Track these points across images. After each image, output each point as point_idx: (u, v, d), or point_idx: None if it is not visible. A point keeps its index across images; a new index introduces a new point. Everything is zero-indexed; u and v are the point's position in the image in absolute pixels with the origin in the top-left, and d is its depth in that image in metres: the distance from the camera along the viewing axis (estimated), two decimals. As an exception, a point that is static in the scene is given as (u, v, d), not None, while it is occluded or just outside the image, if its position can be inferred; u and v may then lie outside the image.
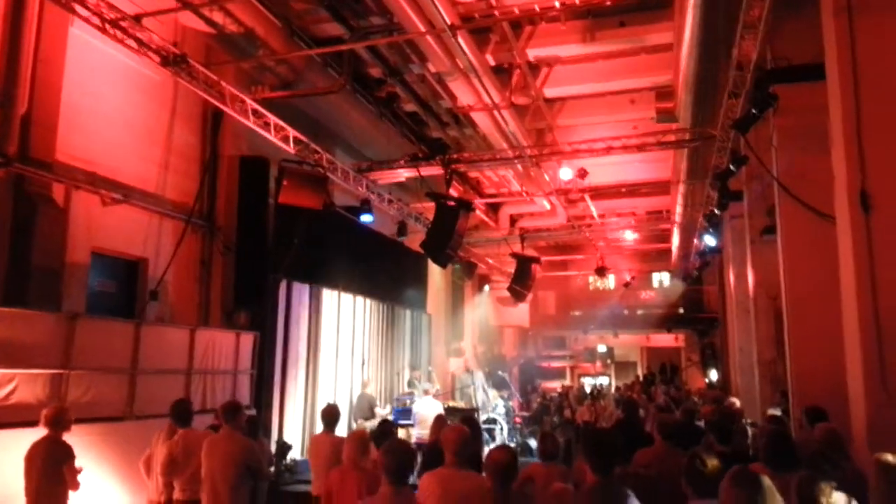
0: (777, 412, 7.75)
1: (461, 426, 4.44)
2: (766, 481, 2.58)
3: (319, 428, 6.74)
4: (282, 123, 9.01)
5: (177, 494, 5.80)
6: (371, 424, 10.04)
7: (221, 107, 8.27)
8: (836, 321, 5.47)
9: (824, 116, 5.63)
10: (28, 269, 6.94)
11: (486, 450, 4.90)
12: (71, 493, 5.32)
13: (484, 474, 3.84)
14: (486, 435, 12.73)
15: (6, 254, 6.87)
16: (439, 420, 6.89)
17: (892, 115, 5.12)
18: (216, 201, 9.97)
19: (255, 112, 8.56)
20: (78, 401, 6.39)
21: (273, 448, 9.26)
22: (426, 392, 11.65)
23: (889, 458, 3.28)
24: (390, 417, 11.67)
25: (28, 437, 5.39)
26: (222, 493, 5.29)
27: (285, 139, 9.20)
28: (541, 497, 4.14)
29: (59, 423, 5.37)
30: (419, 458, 4.53)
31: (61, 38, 7.40)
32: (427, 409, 10.11)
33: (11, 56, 7.02)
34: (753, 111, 7.46)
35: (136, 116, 8.69)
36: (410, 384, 13.80)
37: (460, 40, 8.38)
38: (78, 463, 5.34)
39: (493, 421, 13.24)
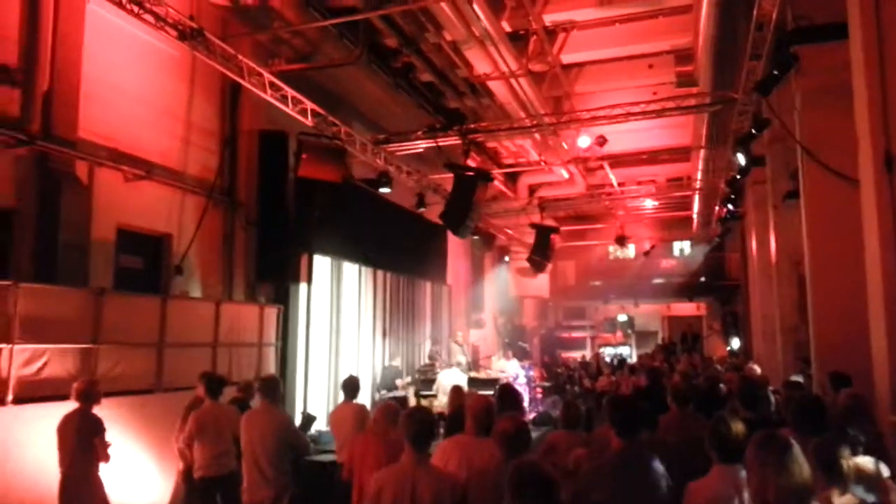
0: (799, 379, 7.73)
1: (487, 396, 4.44)
2: (795, 445, 2.55)
3: (342, 398, 6.85)
4: (299, 96, 9.01)
5: (211, 470, 5.95)
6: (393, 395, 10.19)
7: (239, 80, 8.28)
8: (859, 286, 5.42)
9: (848, 77, 5.51)
10: (55, 246, 7.04)
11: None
12: (102, 465, 5.48)
13: None
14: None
15: (33, 231, 6.98)
16: (455, 391, 6.88)
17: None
18: (237, 176, 10.02)
19: (272, 85, 8.56)
20: (107, 374, 6.53)
21: (298, 420, 9.41)
22: (450, 365, 11.74)
23: None
24: (412, 388, 11.82)
25: (59, 411, 5.53)
26: (265, 468, 5.37)
27: (303, 112, 9.20)
28: (563, 461, 4.20)
29: (89, 396, 5.50)
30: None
31: (79, 15, 7.41)
32: (451, 380, 10.20)
33: (31, 35, 7.06)
34: (775, 73, 7.34)
35: (156, 92, 8.73)
36: (432, 357, 13.90)
37: (475, 6, 8.30)
38: (108, 436, 5.48)
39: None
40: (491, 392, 6.49)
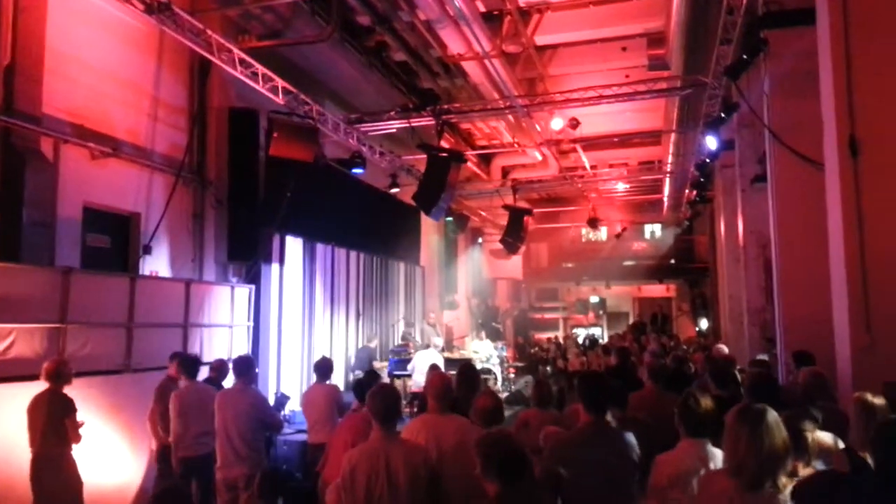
0: (764, 358, 7.91)
1: (444, 373, 4.51)
2: (772, 415, 2.64)
3: (315, 380, 6.86)
4: (270, 73, 8.88)
5: (192, 450, 5.93)
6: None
7: (208, 56, 8.13)
8: (824, 268, 5.53)
9: (816, 62, 5.59)
10: (19, 223, 6.88)
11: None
12: (74, 445, 5.42)
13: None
14: (479, 384, 12.98)
15: (-4, 209, 6.83)
16: (431, 370, 7.00)
17: (881, 59, 5.10)
18: (206, 154, 9.86)
19: (242, 62, 8.43)
20: (76, 354, 6.43)
21: (271, 400, 9.40)
22: (425, 346, 11.80)
23: (867, 396, 3.41)
24: (386, 370, 11.86)
25: (27, 391, 5.47)
26: (238, 446, 5.38)
27: (274, 90, 9.08)
28: (534, 439, 4.27)
29: (59, 376, 5.44)
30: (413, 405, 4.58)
31: (42, -13, 7.20)
32: (426, 361, 10.27)
33: (-9, 7, 6.85)
34: (744, 57, 7.42)
35: (122, 68, 8.53)
36: (405, 338, 13.96)
37: (450, -14, 8.23)
38: (79, 416, 5.43)
39: (488, 371, 13.46)
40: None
